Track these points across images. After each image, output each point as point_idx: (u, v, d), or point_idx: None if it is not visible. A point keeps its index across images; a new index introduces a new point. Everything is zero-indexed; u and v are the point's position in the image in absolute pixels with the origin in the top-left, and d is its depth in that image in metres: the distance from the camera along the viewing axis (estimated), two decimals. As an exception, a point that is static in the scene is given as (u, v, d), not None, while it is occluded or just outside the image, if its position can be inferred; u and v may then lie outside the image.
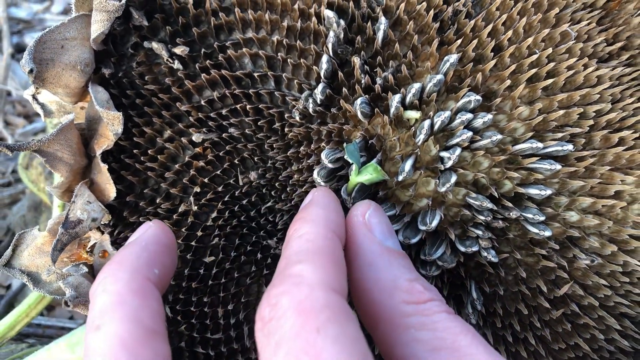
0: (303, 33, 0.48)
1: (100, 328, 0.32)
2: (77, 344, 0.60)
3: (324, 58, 0.45)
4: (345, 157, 0.44)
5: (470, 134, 0.43)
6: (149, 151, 0.48)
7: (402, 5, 0.47)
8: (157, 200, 0.49)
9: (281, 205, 0.49)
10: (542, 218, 0.45)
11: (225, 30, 0.49)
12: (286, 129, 0.48)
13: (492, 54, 0.47)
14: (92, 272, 0.49)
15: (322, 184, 0.46)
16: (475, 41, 0.46)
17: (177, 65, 0.47)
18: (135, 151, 0.48)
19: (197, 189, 0.49)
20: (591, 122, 0.48)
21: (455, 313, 0.35)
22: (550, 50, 0.47)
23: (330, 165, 0.45)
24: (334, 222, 0.38)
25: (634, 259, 0.49)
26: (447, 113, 0.43)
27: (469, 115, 0.43)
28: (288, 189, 0.49)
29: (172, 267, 0.38)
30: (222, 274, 0.49)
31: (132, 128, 0.48)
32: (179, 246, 0.49)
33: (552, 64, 0.47)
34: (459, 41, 0.46)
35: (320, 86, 0.45)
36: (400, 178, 0.43)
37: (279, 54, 0.48)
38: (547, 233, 0.45)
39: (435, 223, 0.44)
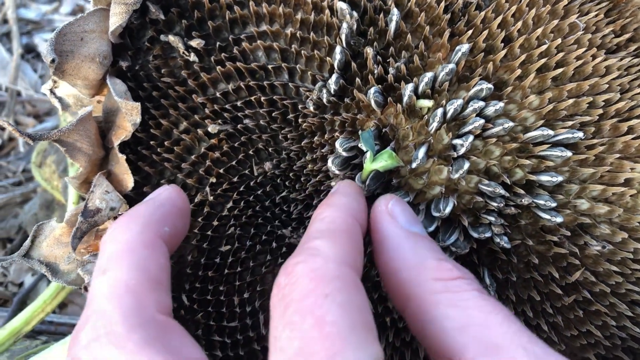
0: (316, 25, 0.49)
1: (106, 272, 0.33)
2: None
3: (338, 49, 0.46)
4: (359, 145, 0.45)
5: (482, 121, 0.44)
6: (166, 143, 0.49)
7: (414, -2, 0.48)
8: (174, 191, 0.49)
9: (295, 195, 0.50)
10: (554, 205, 0.45)
11: (239, 24, 0.50)
12: (300, 120, 0.49)
13: (502, 44, 0.48)
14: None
15: (337, 172, 0.46)
16: (485, 32, 0.47)
17: (193, 57, 0.48)
18: (151, 143, 0.49)
19: (213, 180, 0.49)
20: (600, 111, 0.48)
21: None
22: (559, 41, 0.48)
23: (344, 154, 0.46)
24: (356, 210, 0.39)
25: (645, 246, 0.49)
26: (460, 101, 0.44)
27: (481, 103, 0.44)
28: (302, 178, 0.50)
29: (183, 230, 0.39)
30: (237, 263, 0.50)
31: (148, 120, 0.49)
32: (195, 236, 0.49)
33: (561, 55, 0.48)
34: (470, 32, 0.47)
35: (334, 77, 0.46)
36: (414, 165, 0.44)
37: (292, 46, 0.49)
38: (559, 219, 0.45)
39: (448, 209, 0.44)
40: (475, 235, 0.46)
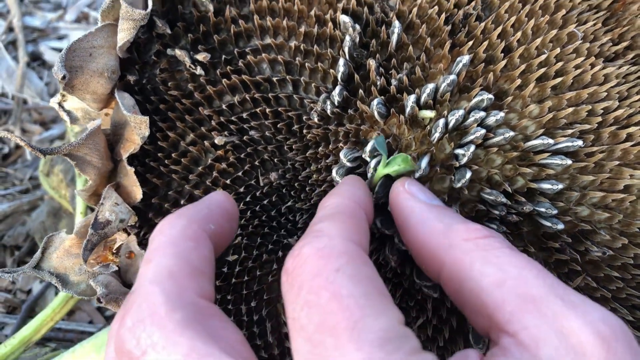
0: (319, 38, 0.50)
1: (151, 261, 0.35)
2: (102, 346, 0.61)
3: (341, 61, 0.47)
4: (363, 155, 0.46)
5: (483, 131, 0.45)
6: (173, 154, 0.50)
7: (415, 10, 0.49)
8: (181, 202, 0.50)
9: (301, 205, 0.51)
10: (555, 212, 0.46)
11: (244, 37, 0.51)
12: (304, 131, 0.50)
13: (502, 54, 0.49)
14: (119, 273, 0.51)
15: (341, 182, 0.47)
16: (485, 43, 0.48)
17: (199, 71, 0.49)
18: (159, 155, 0.50)
19: (220, 190, 0.50)
20: (599, 119, 0.49)
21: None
22: (558, 50, 0.49)
23: (348, 164, 0.47)
24: (359, 196, 0.40)
25: (645, 251, 0.50)
26: (461, 111, 0.45)
27: (482, 114, 0.45)
28: (307, 188, 0.50)
29: (229, 231, 0.41)
30: (244, 272, 0.51)
31: (155, 132, 0.50)
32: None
33: (560, 64, 0.49)
34: (470, 43, 0.48)
35: (338, 88, 0.47)
36: (417, 175, 0.45)
37: (296, 58, 0.50)
38: (560, 226, 0.46)
39: (451, 218, 0.45)
40: (478, 242, 0.47)
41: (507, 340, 0.32)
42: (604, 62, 0.52)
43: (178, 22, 0.50)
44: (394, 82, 0.47)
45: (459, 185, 0.45)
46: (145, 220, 0.51)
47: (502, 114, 0.45)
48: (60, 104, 0.53)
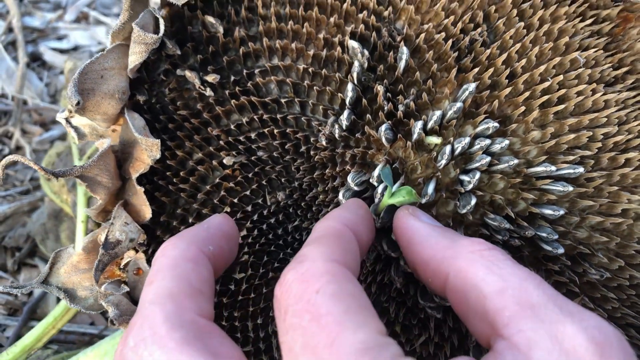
0: (327, 60, 0.50)
1: (152, 283, 0.36)
2: (106, 354, 0.62)
3: (349, 86, 0.48)
4: (370, 180, 0.47)
5: (489, 159, 0.46)
6: (181, 173, 0.51)
7: (422, 35, 0.49)
8: (189, 220, 0.51)
9: (307, 224, 0.52)
10: (556, 237, 0.48)
11: (252, 58, 0.51)
12: (312, 152, 0.50)
13: (507, 80, 0.49)
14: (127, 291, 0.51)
15: (348, 205, 0.48)
16: (491, 69, 0.49)
17: (209, 92, 0.50)
18: (167, 173, 0.51)
19: (227, 209, 0.51)
20: (599, 144, 0.51)
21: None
22: (561, 77, 0.50)
23: (355, 188, 0.48)
24: (348, 219, 0.41)
25: (640, 273, 0.52)
26: (467, 139, 0.46)
27: (487, 141, 0.46)
28: (314, 208, 0.51)
29: (229, 252, 0.42)
30: (251, 289, 0.52)
31: (164, 151, 0.51)
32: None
33: (563, 90, 0.50)
34: (476, 70, 0.49)
35: (346, 113, 0.48)
36: (424, 201, 0.46)
37: (304, 80, 0.50)
38: (560, 251, 0.47)
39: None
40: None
41: (501, 343, 0.32)
42: (605, 87, 0.53)
43: (187, 42, 0.51)
44: (401, 107, 0.48)
45: (464, 211, 0.46)
46: (153, 237, 0.51)
47: (506, 141, 0.47)
48: (67, 120, 0.54)
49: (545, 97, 0.49)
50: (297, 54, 0.51)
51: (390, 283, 0.50)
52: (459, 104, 0.47)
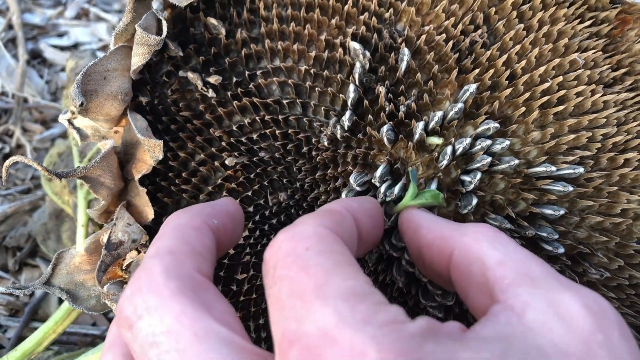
0: (328, 62, 0.51)
1: (155, 243, 0.37)
2: (108, 355, 0.62)
3: (351, 87, 0.48)
4: (373, 180, 0.47)
5: (490, 159, 0.46)
6: (183, 174, 0.51)
7: (423, 37, 0.50)
8: (191, 221, 0.51)
9: (309, 225, 0.52)
10: (556, 237, 0.48)
11: (254, 59, 0.52)
12: (313, 153, 0.51)
13: (507, 82, 0.50)
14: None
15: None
16: (491, 70, 0.49)
17: (211, 94, 0.50)
18: (169, 174, 0.51)
19: (229, 210, 0.51)
20: (599, 144, 0.51)
21: None
22: (560, 78, 0.51)
23: (358, 189, 0.48)
24: (350, 205, 0.41)
25: (639, 272, 0.52)
26: (468, 140, 0.46)
27: (488, 142, 0.47)
28: (315, 209, 0.52)
29: (233, 232, 0.42)
30: (252, 290, 0.52)
31: (166, 152, 0.51)
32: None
33: (562, 91, 0.50)
34: (477, 70, 0.49)
35: (347, 114, 0.48)
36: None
37: (306, 82, 0.51)
38: (561, 250, 0.48)
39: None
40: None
41: (497, 306, 0.33)
42: (603, 88, 0.53)
43: (189, 44, 0.51)
44: (402, 108, 0.48)
45: (465, 211, 0.46)
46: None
47: (507, 142, 0.47)
48: (70, 121, 0.54)
49: (545, 98, 0.50)
50: (298, 56, 0.51)
51: (392, 283, 0.50)
52: (459, 105, 0.47)
